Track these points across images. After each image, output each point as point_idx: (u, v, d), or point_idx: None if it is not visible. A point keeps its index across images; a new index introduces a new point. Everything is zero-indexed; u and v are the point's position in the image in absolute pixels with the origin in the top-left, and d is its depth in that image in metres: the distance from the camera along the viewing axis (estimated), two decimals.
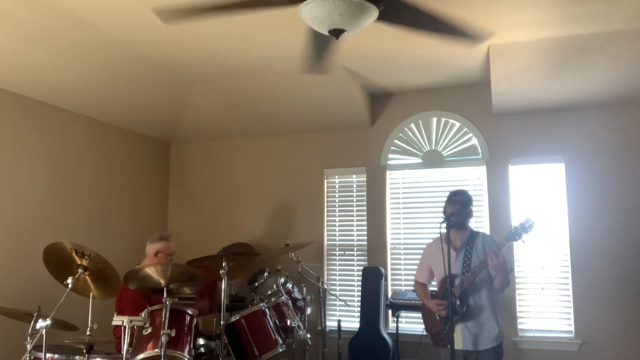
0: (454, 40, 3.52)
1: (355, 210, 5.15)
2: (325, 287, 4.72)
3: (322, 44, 3.08)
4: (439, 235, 3.14)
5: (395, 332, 4.55)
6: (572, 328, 4.35)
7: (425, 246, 3.47)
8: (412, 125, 5.01)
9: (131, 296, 3.34)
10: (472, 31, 3.27)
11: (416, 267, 3.50)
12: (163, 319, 2.87)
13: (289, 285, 4.16)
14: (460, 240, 3.20)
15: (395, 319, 4.57)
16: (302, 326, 3.90)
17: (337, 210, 5.21)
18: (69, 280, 2.85)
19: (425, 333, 3.42)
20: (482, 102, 4.74)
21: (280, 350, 3.59)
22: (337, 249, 5.15)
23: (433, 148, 4.92)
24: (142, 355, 2.84)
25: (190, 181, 5.75)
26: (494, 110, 4.62)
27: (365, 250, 5.01)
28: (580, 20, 3.43)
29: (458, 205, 3.16)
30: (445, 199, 3.27)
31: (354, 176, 5.19)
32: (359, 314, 4.67)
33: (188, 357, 2.98)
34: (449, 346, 3.11)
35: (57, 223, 4.31)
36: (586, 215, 4.41)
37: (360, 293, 4.72)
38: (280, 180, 5.39)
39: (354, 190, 5.18)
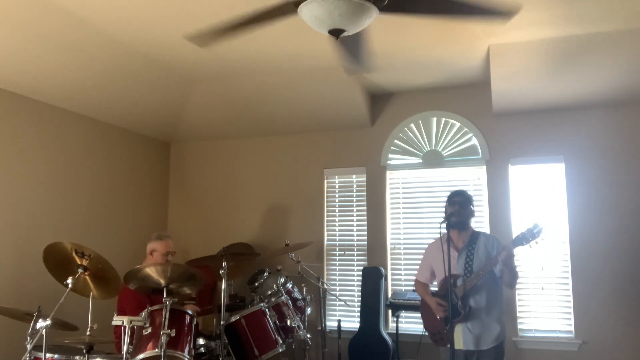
0: (480, 19, 3.19)
1: (355, 210, 5.15)
2: (325, 287, 4.72)
3: (351, 43, 3.03)
4: (440, 235, 3.14)
5: (395, 332, 4.55)
6: (572, 328, 4.35)
7: (427, 246, 3.47)
8: (412, 125, 5.01)
9: (132, 295, 3.34)
10: (498, 7, 2.89)
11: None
12: (163, 319, 2.87)
13: (289, 285, 4.16)
14: (462, 241, 3.20)
15: (395, 319, 4.57)
16: (302, 326, 3.90)
17: (337, 210, 5.21)
18: (69, 280, 2.85)
19: (425, 333, 3.42)
20: (482, 102, 4.74)
21: (280, 350, 3.59)
22: (337, 249, 5.15)
23: (433, 148, 4.92)
24: (142, 355, 2.84)
25: (190, 181, 5.75)
26: (494, 110, 4.62)
27: (365, 250, 5.01)
28: (580, 20, 3.43)
29: (457, 206, 3.16)
30: (446, 199, 3.27)
31: (354, 176, 5.19)
32: (359, 314, 4.67)
33: (188, 357, 2.98)
34: (448, 345, 3.12)
35: (57, 223, 4.31)
36: (586, 215, 4.40)
37: (360, 293, 4.72)
38: (280, 180, 5.39)
39: (354, 190, 5.18)
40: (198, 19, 3.42)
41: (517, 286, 4.46)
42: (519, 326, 4.47)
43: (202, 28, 3.09)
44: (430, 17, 3.09)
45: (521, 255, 4.52)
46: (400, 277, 4.89)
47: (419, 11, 2.84)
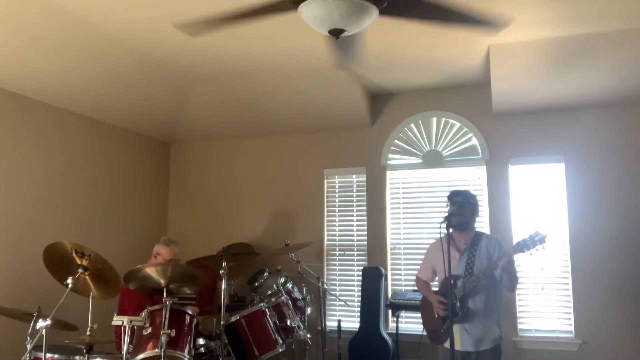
0: (470, 28, 3.38)
1: (355, 210, 5.15)
2: (325, 287, 4.72)
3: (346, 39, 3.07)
4: (440, 235, 3.13)
5: (395, 332, 4.55)
6: (572, 328, 4.35)
7: (427, 246, 3.47)
8: (412, 125, 5.01)
9: (134, 295, 3.34)
10: (489, 19, 3.12)
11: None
12: (163, 319, 2.87)
13: (289, 285, 4.16)
14: (464, 242, 3.19)
15: (395, 319, 4.57)
16: (302, 326, 3.90)
17: (337, 210, 5.21)
18: (69, 280, 2.85)
19: (424, 332, 3.42)
20: (482, 102, 4.74)
21: (280, 350, 3.59)
22: (337, 249, 5.15)
23: (433, 148, 4.92)
24: (142, 355, 2.84)
25: (190, 181, 5.76)
26: (494, 110, 4.62)
27: (365, 250, 5.01)
28: (580, 20, 3.43)
29: (456, 206, 3.15)
30: (446, 199, 3.27)
31: (354, 176, 5.19)
32: (359, 314, 4.67)
33: (188, 357, 2.98)
34: (445, 345, 3.12)
35: (57, 223, 4.31)
36: (586, 215, 4.40)
37: (360, 293, 4.72)
38: (281, 180, 5.39)
39: (354, 190, 5.18)
40: (199, 19, 3.42)
41: (517, 286, 4.46)
42: (519, 326, 4.47)
43: (193, 18, 3.08)
44: (426, 22, 3.20)
45: (521, 256, 4.51)
46: (400, 277, 4.89)
47: (416, 16, 2.92)
